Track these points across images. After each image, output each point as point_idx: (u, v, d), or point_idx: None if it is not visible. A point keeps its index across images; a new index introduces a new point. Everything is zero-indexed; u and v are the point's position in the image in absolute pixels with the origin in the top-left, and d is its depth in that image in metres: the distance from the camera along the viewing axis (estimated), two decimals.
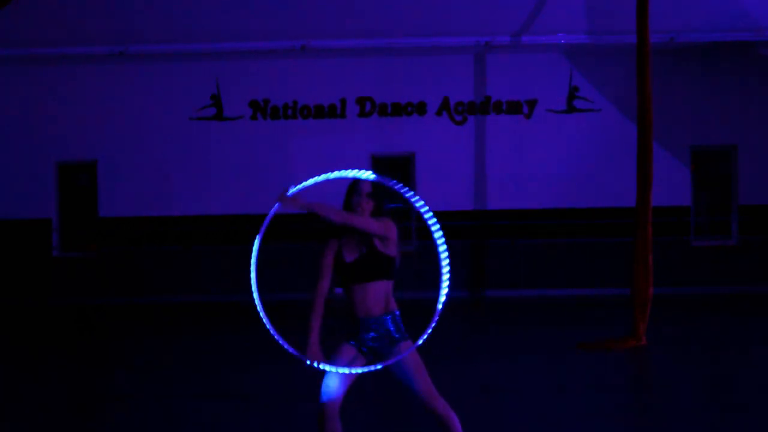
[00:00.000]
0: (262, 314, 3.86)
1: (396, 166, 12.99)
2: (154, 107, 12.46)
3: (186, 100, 12.28)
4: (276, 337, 3.87)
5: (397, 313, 3.96)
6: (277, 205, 3.82)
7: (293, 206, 3.82)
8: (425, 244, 12.66)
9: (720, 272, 12.35)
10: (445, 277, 3.67)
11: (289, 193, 3.80)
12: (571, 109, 12.35)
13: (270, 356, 7.68)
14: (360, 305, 3.83)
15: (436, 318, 3.64)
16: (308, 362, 3.82)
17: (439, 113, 12.55)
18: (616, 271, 11.53)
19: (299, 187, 3.76)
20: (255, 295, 3.92)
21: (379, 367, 3.92)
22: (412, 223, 12.78)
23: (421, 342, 3.78)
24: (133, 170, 12.49)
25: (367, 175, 3.70)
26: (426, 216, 3.69)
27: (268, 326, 3.85)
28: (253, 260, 3.89)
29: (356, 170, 3.74)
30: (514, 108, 12.53)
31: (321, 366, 3.81)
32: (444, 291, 3.67)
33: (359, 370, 3.88)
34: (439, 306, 3.66)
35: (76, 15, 11.41)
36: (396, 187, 3.67)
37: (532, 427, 5.33)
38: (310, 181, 3.78)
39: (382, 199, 3.92)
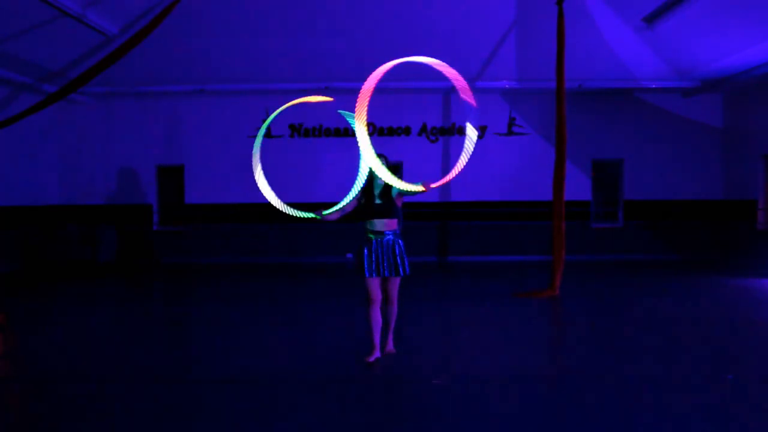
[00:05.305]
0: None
1: (391, 170, 11.79)
2: (224, 127, 13.37)
3: (245, 123, 13.24)
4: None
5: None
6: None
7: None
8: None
9: (611, 246, 13.29)
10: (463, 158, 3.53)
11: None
12: (510, 132, 13.20)
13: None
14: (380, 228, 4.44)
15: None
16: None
17: (419, 134, 13.35)
18: (542, 244, 12.46)
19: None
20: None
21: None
22: None
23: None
24: (207, 171, 13.47)
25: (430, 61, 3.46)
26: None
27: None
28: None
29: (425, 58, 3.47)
30: None
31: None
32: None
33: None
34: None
35: (175, 63, 11.46)
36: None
37: (479, 348, 5.64)
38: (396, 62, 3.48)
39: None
